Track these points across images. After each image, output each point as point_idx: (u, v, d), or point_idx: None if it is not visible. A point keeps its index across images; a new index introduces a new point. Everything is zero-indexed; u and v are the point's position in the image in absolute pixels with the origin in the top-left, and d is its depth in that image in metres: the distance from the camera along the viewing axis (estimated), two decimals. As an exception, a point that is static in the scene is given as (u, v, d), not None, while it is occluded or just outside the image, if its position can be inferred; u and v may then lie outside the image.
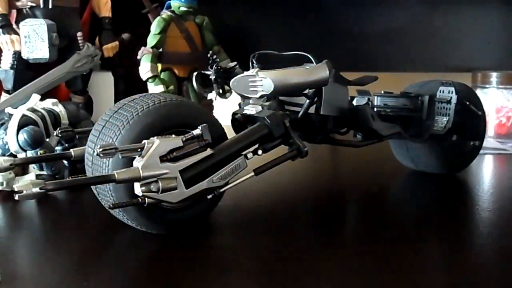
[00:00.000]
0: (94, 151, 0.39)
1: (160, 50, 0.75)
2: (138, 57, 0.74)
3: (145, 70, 0.73)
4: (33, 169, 0.56)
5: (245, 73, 0.43)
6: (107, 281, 0.34)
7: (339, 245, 0.40)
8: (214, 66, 0.46)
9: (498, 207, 0.50)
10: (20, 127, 0.53)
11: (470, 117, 0.58)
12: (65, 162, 0.61)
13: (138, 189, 0.36)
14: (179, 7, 0.75)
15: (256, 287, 0.33)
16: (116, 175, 0.35)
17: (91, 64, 0.80)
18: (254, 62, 0.43)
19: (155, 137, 0.37)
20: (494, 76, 0.90)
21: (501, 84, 0.90)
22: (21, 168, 0.56)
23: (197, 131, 0.38)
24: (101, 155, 0.34)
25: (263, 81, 0.41)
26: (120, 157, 0.36)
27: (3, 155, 0.55)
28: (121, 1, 0.88)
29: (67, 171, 0.58)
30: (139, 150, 0.36)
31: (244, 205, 0.49)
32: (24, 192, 0.33)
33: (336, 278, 0.34)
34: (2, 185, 0.53)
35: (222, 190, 0.40)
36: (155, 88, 0.73)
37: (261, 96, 0.43)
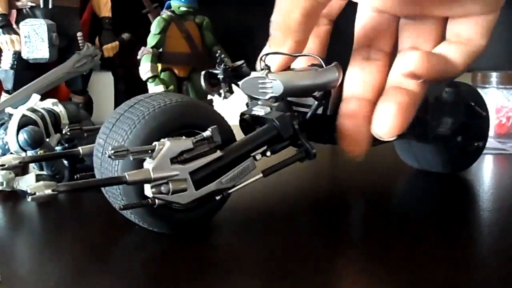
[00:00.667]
0: (103, 151, 0.39)
1: (160, 50, 0.75)
2: (138, 57, 0.75)
3: (145, 70, 0.73)
4: (33, 169, 0.56)
5: (255, 74, 0.43)
6: (108, 281, 0.34)
7: (341, 245, 0.40)
8: (222, 65, 0.46)
9: (498, 207, 0.50)
10: (20, 127, 0.53)
11: (475, 118, 0.58)
12: (65, 162, 0.61)
13: (148, 190, 0.36)
14: (179, 7, 0.75)
15: (259, 287, 0.33)
16: (127, 177, 0.35)
17: (91, 64, 0.80)
18: (264, 63, 0.42)
19: (166, 139, 0.37)
20: (494, 76, 0.91)
21: (501, 84, 0.90)
22: (21, 168, 0.56)
23: (207, 133, 0.38)
24: (113, 157, 0.34)
25: (273, 83, 0.40)
26: (131, 159, 0.36)
27: (3, 155, 0.55)
28: (121, 1, 0.88)
29: (67, 171, 0.58)
30: (149, 151, 0.36)
31: (246, 205, 0.49)
32: (37, 194, 0.33)
33: (339, 278, 0.34)
34: (2, 185, 0.53)
35: (230, 191, 0.40)
36: (155, 88, 0.73)
37: (270, 98, 0.42)
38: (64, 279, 0.35)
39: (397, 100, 0.38)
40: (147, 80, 0.74)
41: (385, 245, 0.40)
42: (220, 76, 0.46)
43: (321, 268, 0.36)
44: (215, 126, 0.38)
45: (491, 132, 0.90)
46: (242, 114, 0.45)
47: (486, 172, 0.67)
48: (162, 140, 0.37)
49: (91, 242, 0.41)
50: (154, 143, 0.36)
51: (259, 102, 0.44)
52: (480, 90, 0.91)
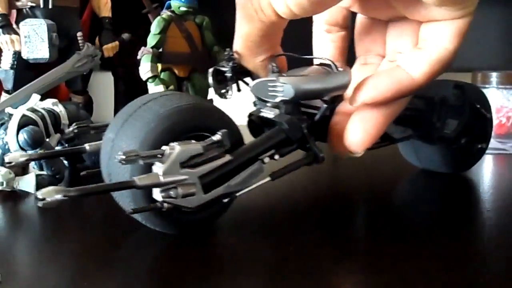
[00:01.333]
0: (111, 155, 0.39)
1: (160, 50, 0.75)
2: (138, 57, 0.74)
3: (145, 70, 0.73)
4: (33, 169, 0.56)
5: (266, 77, 0.43)
6: (107, 281, 0.34)
7: (343, 245, 0.40)
8: (230, 63, 0.45)
9: (498, 207, 0.50)
10: (20, 127, 0.53)
11: (480, 120, 0.58)
12: (65, 162, 0.62)
13: (158, 194, 0.36)
14: (179, 7, 0.75)
15: (261, 286, 0.33)
16: (137, 181, 0.35)
17: (91, 64, 0.80)
18: (274, 65, 0.42)
19: (176, 143, 0.37)
20: (494, 76, 0.90)
21: (501, 84, 0.90)
22: (21, 167, 0.56)
23: (217, 137, 0.38)
24: (123, 162, 0.34)
25: (284, 86, 0.40)
26: (142, 163, 0.36)
27: (3, 155, 0.55)
28: (121, 1, 0.88)
29: (67, 171, 0.58)
30: (159, 156, 0.36)
31: (248, 204, 0.49)
32: (47, 199, 0.33)
33: (340, 278, 0.34)
34: (2, 185, 0.53)
35: (237, 194, 0.40)
36: (155, 88, 0.73)
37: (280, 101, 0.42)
38: (64, 279, 0.35)
39: (364, 118, 0.40)
40: (147, 80, 0.73)
41: (385, 245, 0.40)
42: (228, 75, 0.45)
43: (326, 268, 0.36)
44: (225, 130, 0.38)
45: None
46: (250, 115, 0.44)
47: (486, 172, 0.67)
48: (172, 144, 0.37)
49: (91, 242, 0.41)
50: (164, 147, 0.36)
51: (268, 104, 0.43)
52: (480, 90, 0.91)
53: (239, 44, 0.40)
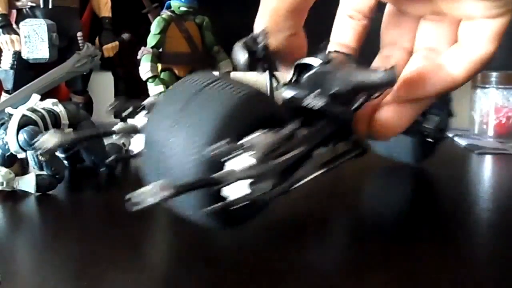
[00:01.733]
0: (165, 148, 0.34)
1: (160, 50, 0.75)
2: (138, 57, 0.75)
3: (145, 70, 0.73)
4: (33, 169, 0.56)
5: (321, 67, 0.41)
6: (107, 281, 0.34)
7: (340, 246, 0.41)
8: (261, 44, 0.43)
9: (498, 207, 0.50)
10: (20, 127, 0.53)
11: (448, 116, 0.62)
12: (66, 162, 0.62)
13: (246, 189, 0.33)
14: (179, 7, 0.75)
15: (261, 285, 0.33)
16: (237, 173, 0.32)
17: (91, 64, 0.80)
18: (328, 54, 0.41)
19: (260, 133, 0.34)
20: (494, 76, 0.91)
21: (501, 84, 0.90)
22: (21, 168, 0.56)
23: (291, 127, 0.36)
24: (217, 157, 0.32)
25: (341, 79, 0.39)
26: (233, 155, 0.33)
27: (3, 155, 0.55)
28: (121, 1, 0.88)
29: (67, 171, 0.58)
30: (246, 147, 0.33)
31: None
32: (143, 204, 0.30)
33: (336, 279, 0.34)
34: (2, 185, 0.53)
35: (291, 188, 0.37)
36: (155, 88, 0.73)
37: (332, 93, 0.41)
38: (64, 279, 0.35)
39: (398, 110, 0.40)
40: (147, 80, 0.74)
41: (384, 246, 0.40)
42: (260, 55, 0.44)
43: (320, 267, 0.36)
44: (298, 119, 0.37)
45: (491, 132, 0.90)
46: (289, 101, 0.42)
47: (486, 172, 0.67)
48: (257, 133, 0.34)
49: (91, 241, 0.41)
50: (250, 137, 0.34)
51: (312, 93, 0.41)
52: (480, 90, 0.91)
53: (265, 19, 0.40)
